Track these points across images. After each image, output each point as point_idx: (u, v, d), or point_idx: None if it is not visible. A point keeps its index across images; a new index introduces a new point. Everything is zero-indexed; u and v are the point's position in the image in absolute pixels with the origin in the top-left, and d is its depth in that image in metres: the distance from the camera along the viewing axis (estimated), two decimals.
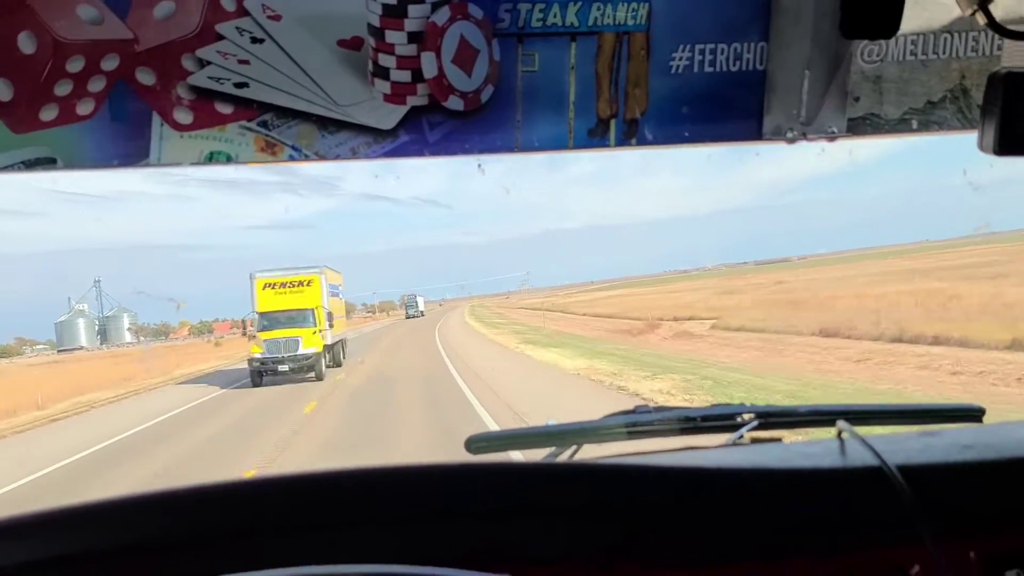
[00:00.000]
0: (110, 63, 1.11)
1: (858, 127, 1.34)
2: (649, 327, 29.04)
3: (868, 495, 0.84)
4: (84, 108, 1.12)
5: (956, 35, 1.32)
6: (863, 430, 0.99)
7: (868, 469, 0.85)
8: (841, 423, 0.99)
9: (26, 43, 1.08)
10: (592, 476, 0.91)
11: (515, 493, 0.87)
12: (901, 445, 0.95)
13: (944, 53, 1.33)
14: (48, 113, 1.11)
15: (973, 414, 1.26)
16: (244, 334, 20.70)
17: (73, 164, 1.13)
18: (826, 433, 1.06)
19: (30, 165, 1.12)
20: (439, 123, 1.24)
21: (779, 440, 1.15)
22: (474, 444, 1.28)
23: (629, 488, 0.88)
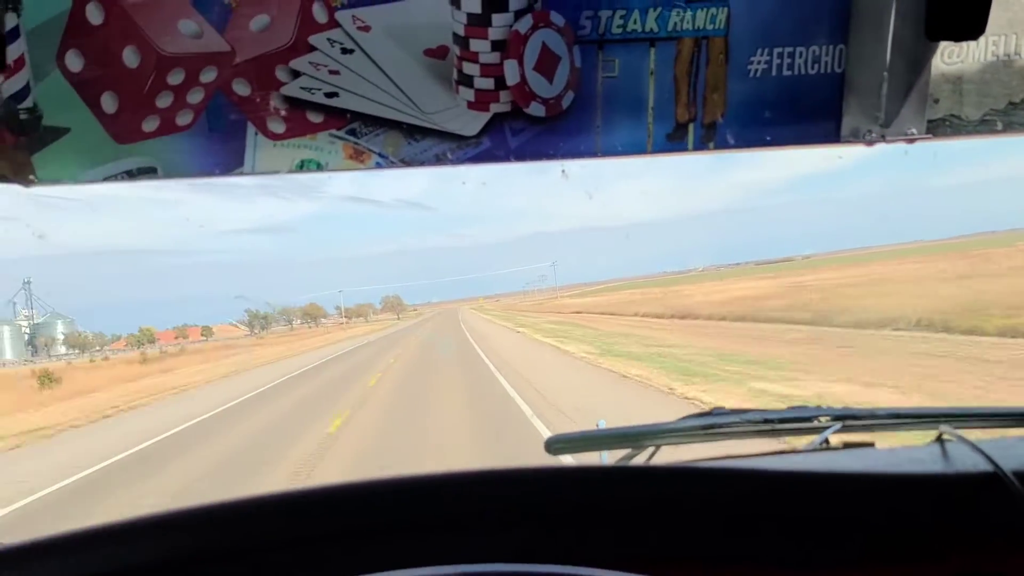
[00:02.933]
0: (208, 75, 1.17)
1: (938, 128, 1.35)
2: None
3: (980, 502, 0.86)
4: (183, 119, 1.18)
5: None
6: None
7: (980, 475, 0.87)
8: (944, 427, 1.01)
9: (131, 57, 1.14)
10: (687, 478, 0.93)
11: (605, 495, 0.90)
12: (1012, 450, 0.96)
13: None
14: (150, 124, 1.17)
15: None
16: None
17: (172, 173, 1.20)
18: (920, 437, 1.08)
19: (133, 175, 1.18)
20: (521, 129, 1.28)
21: (871, 444, 1.17)
22: (554, 445, 1.32)
23: (721, 491, 0.91)
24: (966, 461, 0.91)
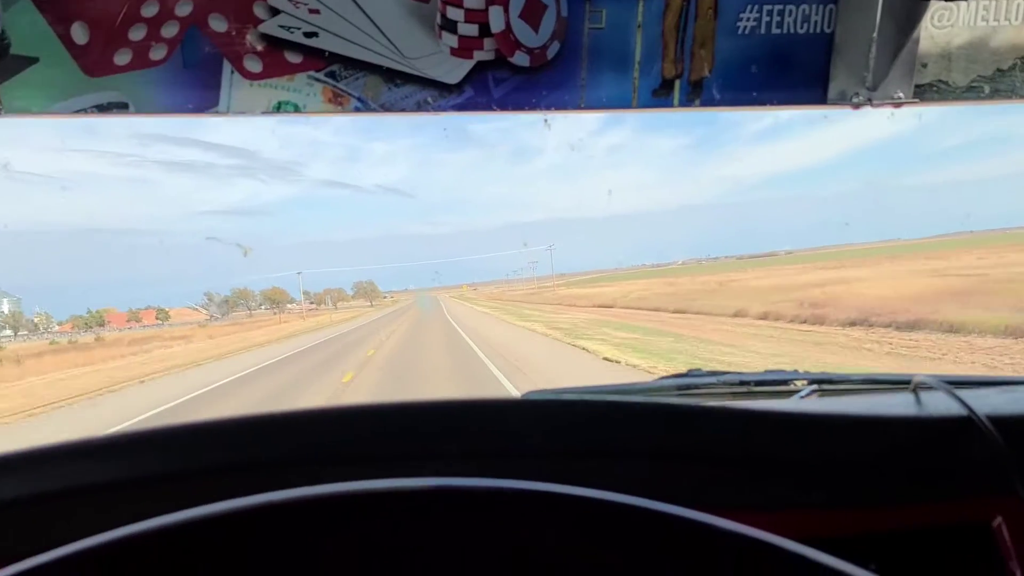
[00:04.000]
0: (183, 8, 1.14)
1: (925, 93, 1.35)
2: None
3: (956, 445, 0.86)
4: (157, 53, 1.15)
5: None
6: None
7: (956, 419, 0.87)
8: (920, 377, 1.01)
9: None
10: (669, 416, 0.92)
11: (584, 429, 0.89)
12: (986, 398, 0.97)
13: (1016, 20, 1.33)
14: (122, 57, 1.14)
15: None
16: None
17: (145, 109, 1.17)
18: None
19: (103, 109, 1.16)
20: (505, 79, 1.26)
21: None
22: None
23: (701, 430, 0.89)
24: (941, 407, 0.92)
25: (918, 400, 0.98)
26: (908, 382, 1.11)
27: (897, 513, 0.85)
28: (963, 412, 0.87)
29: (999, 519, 0.84)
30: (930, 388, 0.98)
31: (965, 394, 0.91)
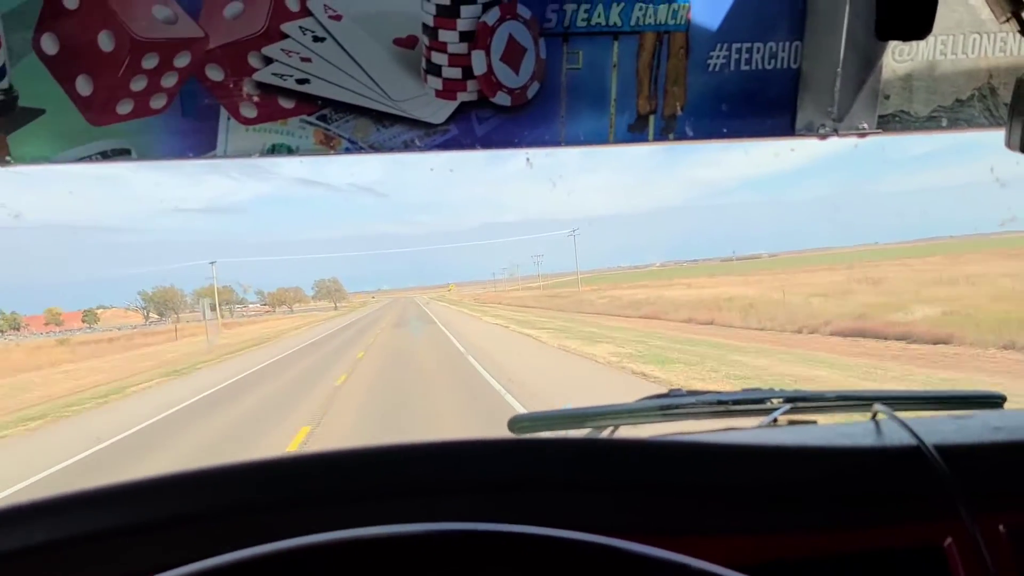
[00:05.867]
0: (182, 60, 1.22)
1: (888, 124, 1.44)
2: None
3: (906, 473, 0.95)
4: (157, 102, 1.23)
5: (985, 36, 1.42)
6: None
7: (906, 448, 0.96)
8: (878, 406, 1.10)
9: (105, 41, 1.19)
10: (635, 452, 1.01)
11: (562, 467, 0.97)
12: (936, 427, 1.05)
13: (973, 53, 1.42)
14: (124, 107, 1.22)
15: (995, 400, 1.37)
16: None
17: (146, 155, 1.25)
18: (859, 417, 1.17)
19: (107, 156, 1.23)
20: (487, 118, 1.34)
21: (814, 423, 1.25)
22: (517, 424, 1.40)
23: (672, 464, 0.98)
24: (894, 437, 1.00)
25: (876, 428, 1.06)
26: (876, 399, 1.20)
27: (853, 537, 0.93)
28: (913, 442, 0.96)
29: (949, 540, 0.92)
30: (886, 416, 1.06)
31: (917, 422, 0.99)
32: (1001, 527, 0.92)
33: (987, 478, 0.96)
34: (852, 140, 1.42)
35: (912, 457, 0.95)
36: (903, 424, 1.01)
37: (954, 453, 0.95)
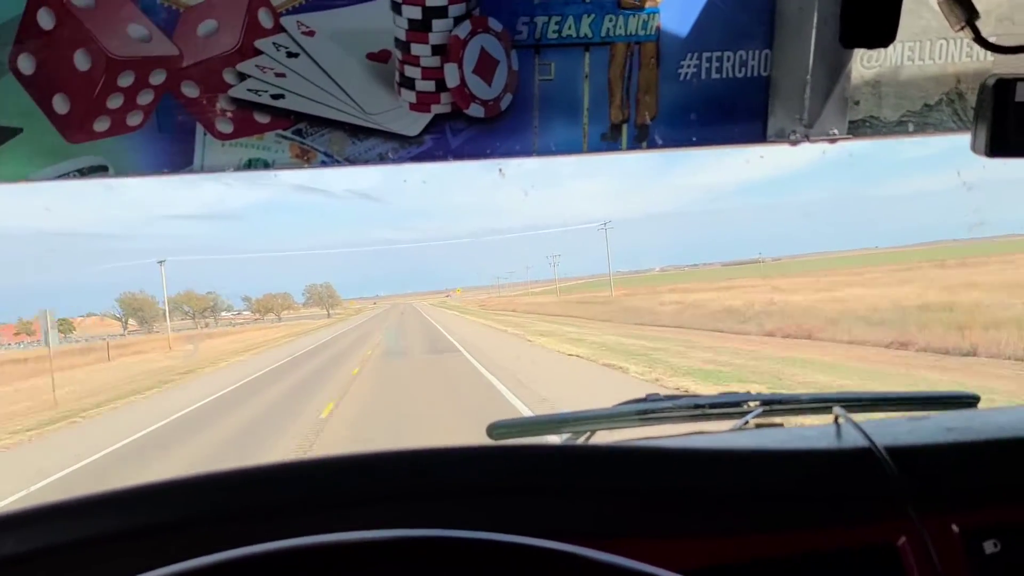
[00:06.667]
0: (157, 77, 1.24)
1: (858, 129, 1.46)
2: None
3: (859, 474, 0.97)
4: (133, 120, 1.25)
5: (951, 42, 1.44)
6: (860, 416, 1.13)
7: (859, 450, 0.98)
8: (837, 409, 1.12)
9: (81, 60, 1.21)
10: (608, 458, 1.03)
11: (538, 473, 1.00)
12: (891, 429, 1.08)
13: (940, 59, 1.45)
14: (101, 124, 1.24)
15: (968, 401, 1.40)
16: None
17: (123, 172, 1.27)
18: (825, 419, 1.19)
19: (84, 173, 1.25)
20: (461, 129, 1.36)
21: (780, 425, 1.28)
22: (495, 430, 1.42)
23: (641, 469, 1.01)
24: (849, 439, 1.03)
25: (837, 430, 1.09)
26: (839, 402, 1.22)
27: (811, 537, 0.95)
28: (866, 443, 0.98)
29: (903, 539, 0.95)
30: (845, 420, 1.09)
31: (873, 424, 1.02)
32: (954, 526, 0.95)
33: (936, 478, 0.99)
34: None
35: (864, 459, 0.98)
36: (855, 426, 1.04)
37: (904, 454, 0.98)
